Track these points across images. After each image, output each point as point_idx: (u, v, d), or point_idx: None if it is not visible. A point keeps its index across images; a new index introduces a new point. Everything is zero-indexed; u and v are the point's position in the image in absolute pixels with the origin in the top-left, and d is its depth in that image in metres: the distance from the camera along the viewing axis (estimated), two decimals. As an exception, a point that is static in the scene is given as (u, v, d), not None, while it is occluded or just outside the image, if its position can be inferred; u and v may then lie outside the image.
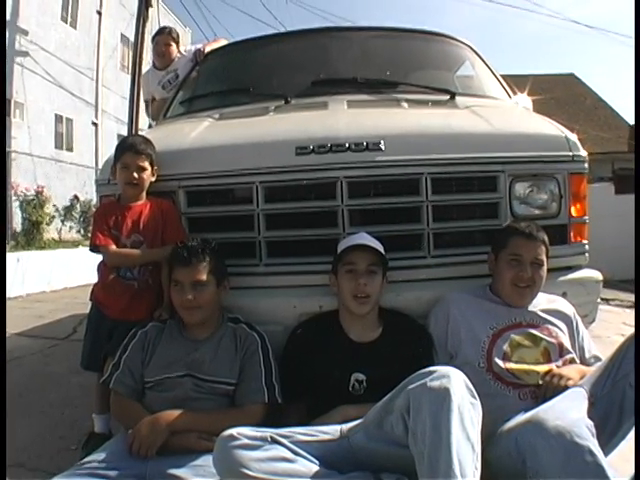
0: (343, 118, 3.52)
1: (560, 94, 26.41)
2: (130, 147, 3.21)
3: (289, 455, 2.24)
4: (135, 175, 3.19)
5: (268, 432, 2.30)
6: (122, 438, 2.66)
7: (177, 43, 6.04)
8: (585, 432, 2.19)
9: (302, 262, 3.19)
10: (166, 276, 3.10)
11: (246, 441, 2.23)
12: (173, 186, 3.29)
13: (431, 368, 2.22)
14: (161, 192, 3.31)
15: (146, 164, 3.22)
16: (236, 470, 2.17)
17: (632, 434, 2.50)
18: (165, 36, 5.99)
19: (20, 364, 5.71)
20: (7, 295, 10.16)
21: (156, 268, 3.25)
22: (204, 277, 2.86)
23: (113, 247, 3.21)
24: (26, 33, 19.15)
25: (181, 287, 2.85)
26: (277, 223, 3.18)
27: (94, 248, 3.27)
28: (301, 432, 2.39)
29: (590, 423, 2.26)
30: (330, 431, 2.44)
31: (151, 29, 13.77)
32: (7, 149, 16.76)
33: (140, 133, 4.70)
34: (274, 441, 2.27)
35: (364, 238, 2.93)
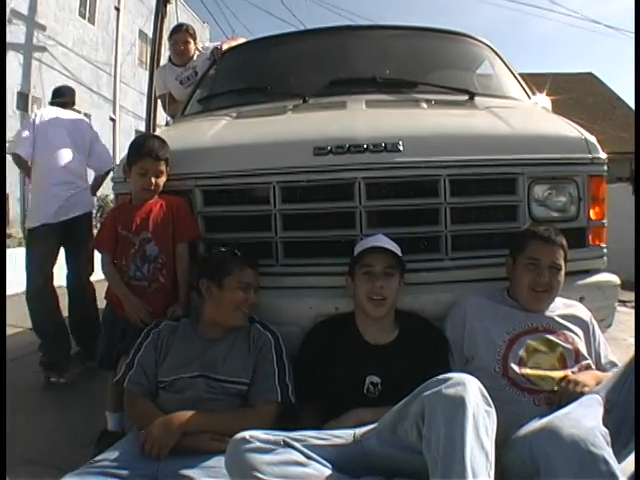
0: (361, 118, 3.51)
1: (579, 93, 26.26)
2: (149, 152, 3.18)
3: (302, 459, 2.23)
4: (153, 181, 3.20)
5: (281, 436, 2.29)
6: (134, 437, 2.67)
7: (194, 39, 6.04)
8: (600, 441, 2.17)
9: (319, 263, 3.19)
10: (184, 276, 3.14)
11: (259, 444, 2.22)
12: (190, 185, 3.28)
13: (446, 375, 2.20)
14: (177, 191, 3.31)
15: (164, 168, 3.23)
16: (248, 473, 2.16)
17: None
18: (182, 34, 5.98)
19: (34, 359, 5.70)
20: (24, 289, 10.21)
21: (167, 267, 3.25)
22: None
23: (108, 259, 3.31)
24: (44, 28, 19.24)
25: (247, 289, 2.91)
26: (294, 224, 3.18)
27: (99, 250, 3.40)
28: (314, 436, 2.37)
29: (605, 431, 2.24)
30: (343, 435, 2.42)
31: (169, 25, 13.76)
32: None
33: (158, 131, 4.66)
34: (287, 445, 2.26)
35: (381, 240, 2.92)
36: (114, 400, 3.37)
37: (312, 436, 2.37)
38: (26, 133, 5.18)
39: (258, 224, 3.20)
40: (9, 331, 6.72)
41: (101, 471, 2.39)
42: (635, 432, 2.34)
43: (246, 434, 2.26)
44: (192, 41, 5.97)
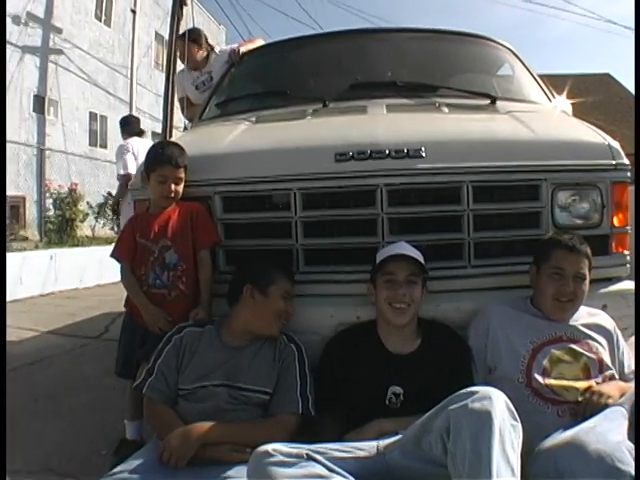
0: (383, 123, 3.49)
1: (595, 94, 26.13)
2: (169, 160, 3.16)
3: (324, 472, 2.20)
4: (172, 188, 3.18)
5: (304, 449, 2.27)
6: (153, 447, 2.65)
7: (195, 41, 6.08)
8: (627, 457, 2.15)
9: (340, 271, 3.16)
10: (207, 281, 3.14)
11: (281, 458, 2.20)
12: (209, 191, 3.26)
13: (472, 389, 2.19)
14: (196, 197, 3.29)
15: (183, 175, 3.21)
16: None
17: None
18: (181, 41, 6.14)
19: (51, 363, 5.75)
20: (40, 292, 10.31)
21: (186, 274, 3.22)
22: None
23: (127, 268, 3.29)
24: (60, 31, 19.38)
25: (288, 298, 2.93)
26: (315, 231, 3.15)
27: (117, 259, 3.37)
28: (337, 448, 2.35)
29: (631, 446, 2.23)
30: (366, 447, 2.41)
31: (185, 27, 13.82)
32: (41, 146, 16.94)
33: (176, 136, 4.67)
34: (310, 458, 2.23)
35: (404, 248, 2.88)
36: (133, 408, 3.36)
37: (335, 449, 2.35)
38: (132, 159, 6.30)
39: (278, 231, 3.18)
40: (26, 335, 6.78)
41: None
42: (635, 430, 2.32)
43: (269, 447, 2.24)
44: (195, 46, 6.00)
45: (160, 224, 3.22)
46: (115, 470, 2.48)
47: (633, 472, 2.10)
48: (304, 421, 2.76)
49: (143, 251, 3.23)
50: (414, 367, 2.82)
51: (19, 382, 4.67)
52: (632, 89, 27.67)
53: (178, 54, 6.09)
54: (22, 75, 18.03)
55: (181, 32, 6.62)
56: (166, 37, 16.08)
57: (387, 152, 3.03)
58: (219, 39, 28.37)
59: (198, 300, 3.20)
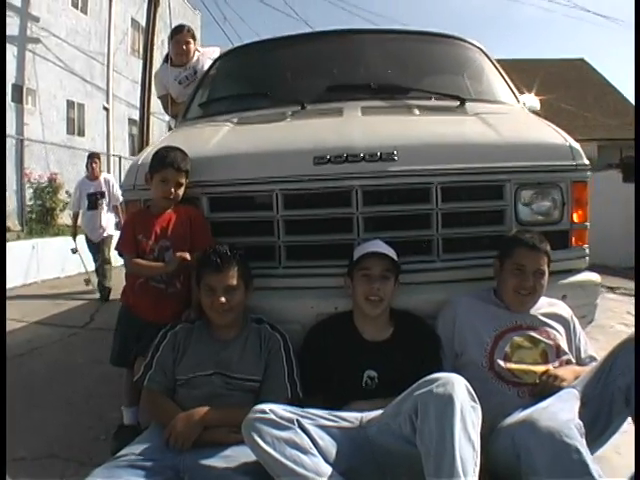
0: (358, 127, 3.65)
1: (570, 79, 26.29)
2: (172, 163, 3.32)
3: (306, 444, 2.48)
4: (172, 190, 3.35)
5: (296, 414, 2.56)
6: (156, 432, 2.87)
7: (194, 40, 6.20)
8: (574, 432, 2.42)
9: (319, 265, 3.38)
10: (196, 280, 3.27)
11: (274, 417, 2.50)
12: (197, 192, 3.45)
13: (436, 375, 2.45)
14: (185, 198, 3.46)
15: (184, 180, 3.38)
16: (253, 437, 2.46)
17: (623, 429, 2.76)
18: (184, 34, 6.13)
19: (42, 354, 5.90)
20: (23, 282, 10.38)
21: (183, 273, 3.41)
22: (235, 282, 3.04)
23: (134, 259, 3.42)
24: (37, 20, 19.23)
25: (213, 292, 3.03)
26: (296, 228, 3.36)
27: (120, 253, 3.54)
28: (325, 417, 2.65)
29: (579, 423, 2.49)
30: (351, 419, 2.70)
31: (162, 13, 13.87)
32: (20, 137, 16.89)
33: (163, 137, 4.73)
34: (299, 424, 2.53)
35: (379, 246, 3.12)
36: (130, 395, 3.59)
37: (323, 417, 2.65)
38: None
39: (262, 229, 3.39)
40: (15, 326, 6.84)
41: (128, 464, 2.60)
42: (635, 430, 2.62)
43: (266, 406, 2.55)
44: (192, 41, 6.12)
45: (162, 225, 3.40)
46: (122, 452, 2.71)
47: (579, 446, 2.37)
48: (293, 404, 2.93)
49: (143, 248, 3.41)
50: (387, 353, 3.08)
51: (12, 373, 4.69)
52: (607, 75, 27.89)
53: (177, 48, 6.08)
54: (5, 74, 17.88)
55: (175, 26, 6.60)
56: (142, 23, 16.07)
57: (362, 155, 3.24)
58: (195, 24, 28.24)
59: (191, 297, 3.40)
